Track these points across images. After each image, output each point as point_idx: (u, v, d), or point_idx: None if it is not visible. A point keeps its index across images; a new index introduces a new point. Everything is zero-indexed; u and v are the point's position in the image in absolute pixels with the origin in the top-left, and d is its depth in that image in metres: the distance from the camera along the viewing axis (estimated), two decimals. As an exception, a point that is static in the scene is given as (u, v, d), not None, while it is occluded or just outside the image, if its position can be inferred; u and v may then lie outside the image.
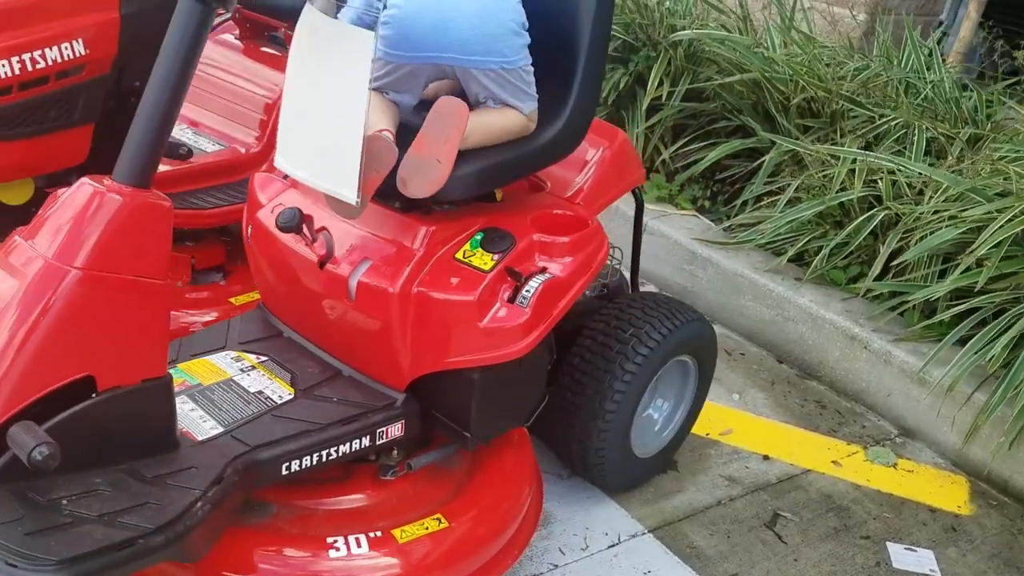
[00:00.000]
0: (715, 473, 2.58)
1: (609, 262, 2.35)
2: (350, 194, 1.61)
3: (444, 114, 1.70)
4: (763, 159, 3.58)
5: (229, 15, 3.25)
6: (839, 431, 2.85)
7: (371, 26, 1.70)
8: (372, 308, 1.79)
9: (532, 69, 1.82)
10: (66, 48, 2.26)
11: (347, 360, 1.93)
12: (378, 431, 1.82)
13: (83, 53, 2.30)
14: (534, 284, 1.81)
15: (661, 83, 3.82)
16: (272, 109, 2.88)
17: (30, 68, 2.20)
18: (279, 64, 2.93)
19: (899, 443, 2.82)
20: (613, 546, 2.24)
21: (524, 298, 1.80)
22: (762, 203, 3.57)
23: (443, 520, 1.86)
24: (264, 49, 3.14)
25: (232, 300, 2.61)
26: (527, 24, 1.79)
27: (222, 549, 1.70)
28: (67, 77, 2.31)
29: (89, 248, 1.44)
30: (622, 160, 2.26)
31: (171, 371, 1.82)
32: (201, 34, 1.49)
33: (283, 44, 3.07)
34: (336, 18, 1.67)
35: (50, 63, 2.24)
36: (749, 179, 3.67)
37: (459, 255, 1.81)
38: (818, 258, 3.19)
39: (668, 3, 4.19)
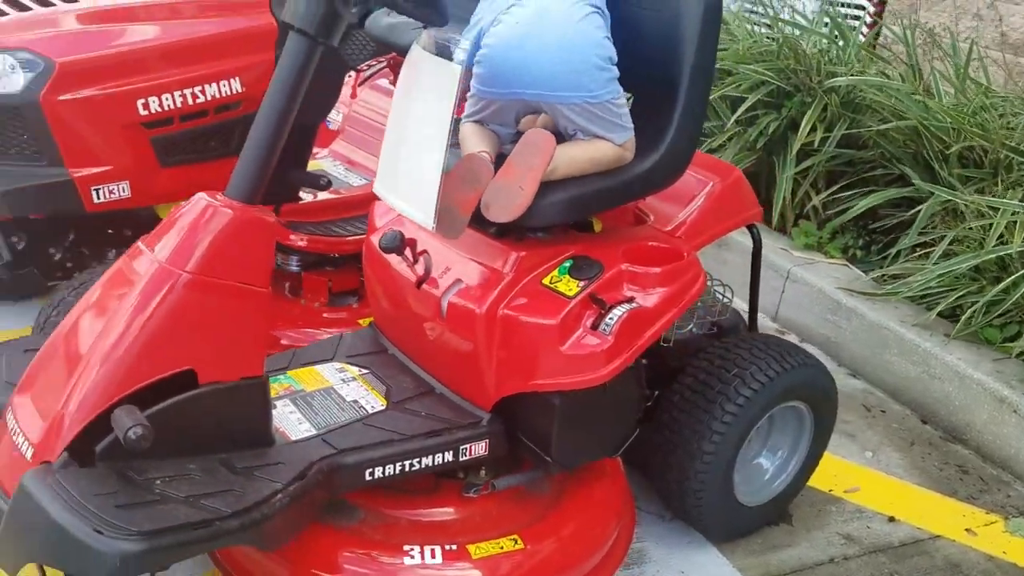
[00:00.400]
0: (832, 530, 2.45)
1: (718, 299, 2.32)
2: (427, 219, 1.70)
3: (531, 144, 1.76)
4: (918, 209, 3.41)
5: (385, 64, 3.50)
6: (979, 499, 2.63)
7: (470, 64, 1.80)
8: (461, 327, 1.87)
9: (623, 100, 1.85)
10: (223, 85, 2.51)
11: (440, 378, 2.01)
12: (461, 447, 1.88)
13: (240, 91, 2.56)
14: (618, 312, 1.82)
15: (814, 129, 3.73)
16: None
17: (191, 102, 2.46)
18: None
19: (1049, 517, 2.57)
20: (707, 593, 2.18)
21: (607, 326, 1.81)
22: (915, 254, 3.38)
23: (519, 541, 1.89)
24: (415, 92, 3.34)
25: (361, 322, 2.76)
26: (614, 58, 1.83)
27: (312, 547, 1.82)
28: (226, 111, 2.57)
29: (199, 255, 1.60)
30: (733, 196, 2.23)
31: (281, 376, 1.98)
32: (307, 66, 1.63)
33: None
34: (437, 55, 1.77)
35: (209, 98, 2.50)
36: (904, 230, 3.49)
37: (546, 280, 1.86)
38: (969, 312, 2.98)
39: (834, 51, 4.10)
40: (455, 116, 1.67)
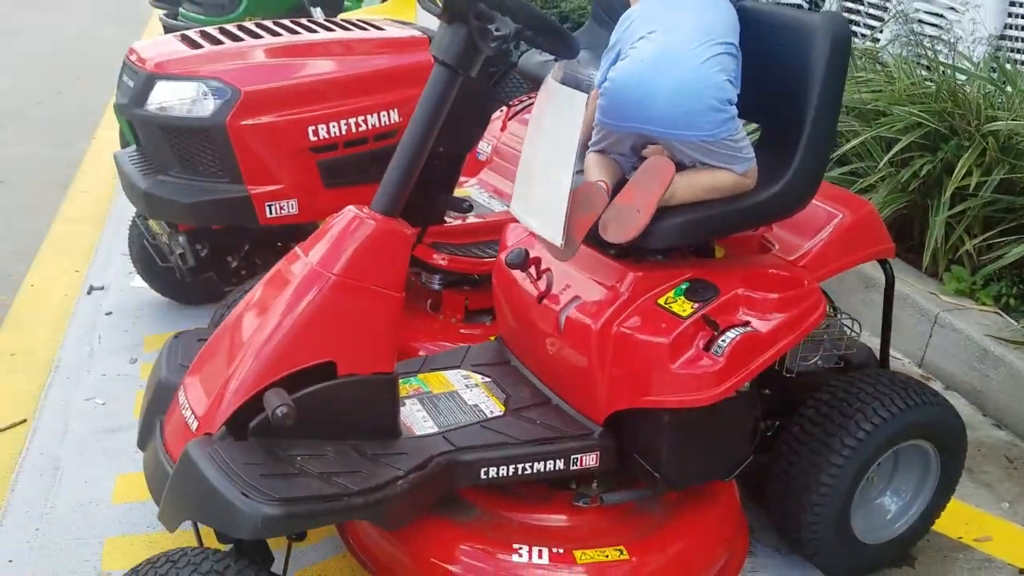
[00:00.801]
0: (958, 579, 2.37)
1: (845, 333, 2.33)
2: (556, 237, 1.83)
3: (651, 170, 1.87)
4: (1078, 257, 3.25)
5: (530, 102, 3.69)
6: None
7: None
8: (577, 342, 1.98)
9: (742, 135, 1.92)
10: (383, 115, 2.76)
11: (556, 390, 2.12)
12: (572, 457, 1.98)
13: (396, 121, 2.79)
14: (731, 335, 1.88)
15: (970, 173, 3.62)
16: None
17: (354, 130, 2.72)
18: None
19: None
20: (819, 627, 2.17)
21: (719, 347, 1.87)
22: (1074, 304, 3.22)
23: (625, 552, 1.96)
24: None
25: (491, 338, 2.92)
26: (734, 99, 1.90)
27: (431, 538, 1.97)
28: (384, 139, 2.81)
29: (345, 259, 1.79)
30: (862, 231, 2.24)
31: (412, 378, 2.16)
32: (447, 94, 1.81)
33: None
34: (562, 84, 1.92)
35: (370, 127, 2.75)
36: (1065, 279, 3.33)
37: (662, 301, 1.94)
38: None
39: (997, 95, 3.97)
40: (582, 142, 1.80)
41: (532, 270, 2.09)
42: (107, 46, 7.48)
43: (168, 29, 6.44)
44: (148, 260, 3.28)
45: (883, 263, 2.41)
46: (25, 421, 2.68)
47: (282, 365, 1.76)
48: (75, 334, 3.19)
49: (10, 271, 3.69)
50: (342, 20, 3.03)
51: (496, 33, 1.79)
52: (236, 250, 2.91)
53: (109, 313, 3.36)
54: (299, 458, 1.73)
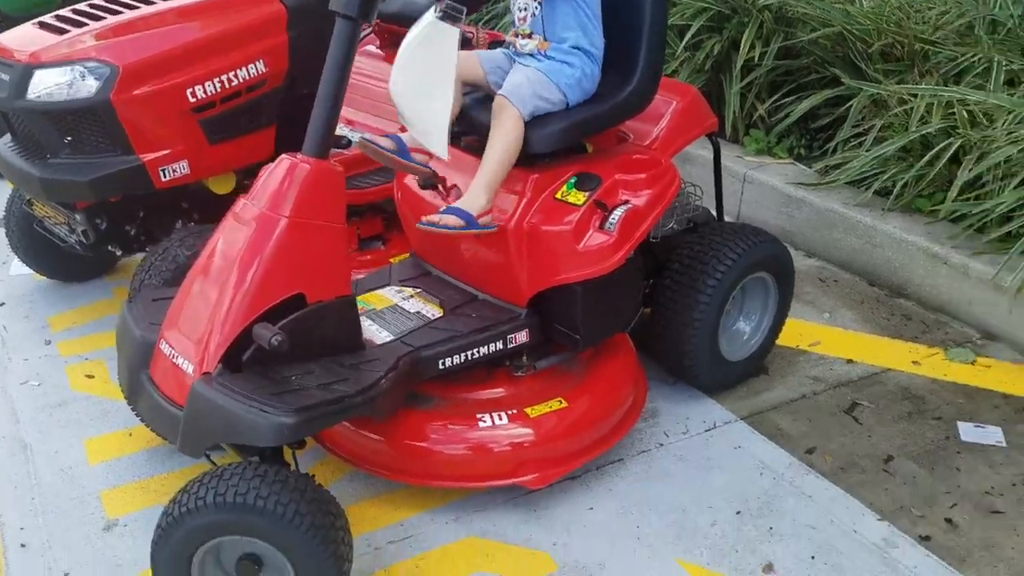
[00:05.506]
0: (802, 375, 2.99)
1: (691, 200, 2.83)
2: (442, 151, 2.17)
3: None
4: (849, 104, 3.92)
5: (370, 30, 3.90)
6: (922, 337, 3.19)
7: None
8: (494, 242, 2.35)
9: None
10: (251, 68, 2.93)
11: (480, 287, 2.49)
12: (508, 337, 2.38)
13: (263, 71, 2.97)
14: (618, 213, 2.31)
15: (753, 46, 4.21)
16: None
17: (228, 86, 2.88)
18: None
19: (980, 345, 3.13)
20: (709, 430, 2.71)
21: (611, 224, 2.30)
22: (851, 145, 3.91)
23: (564, 401, 2.40)
24: (400, 55, 3.76)
25: (391, 260, 3.23)
26: None
27: (403, 425, 2.32)
28: (254, 91, 2.98)
29: (291, 202, 2.04)
30: (693, 111, 2.72)
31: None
32: (353, 42, 2.06)
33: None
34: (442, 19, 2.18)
35: (241, 80, 2.91)
36: (840, 125, 4.01)
37: (558, 195, 2.33)
38: (900, 187, 3.52)
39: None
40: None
41: (441, 188, 2.42)
42: None
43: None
44: (32, 245, 3.30)
45: (710, 136, 2.91)
46: (-31, 413, 2.76)
47: (259, 303, 2.01)
48: (-24, 329, 3.21)
49: None
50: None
51: (387, -17, 2.05)
52: (133, 219, 3.01)
53: (2, 304, 3.37)
54: (293, 378, 2.02)
